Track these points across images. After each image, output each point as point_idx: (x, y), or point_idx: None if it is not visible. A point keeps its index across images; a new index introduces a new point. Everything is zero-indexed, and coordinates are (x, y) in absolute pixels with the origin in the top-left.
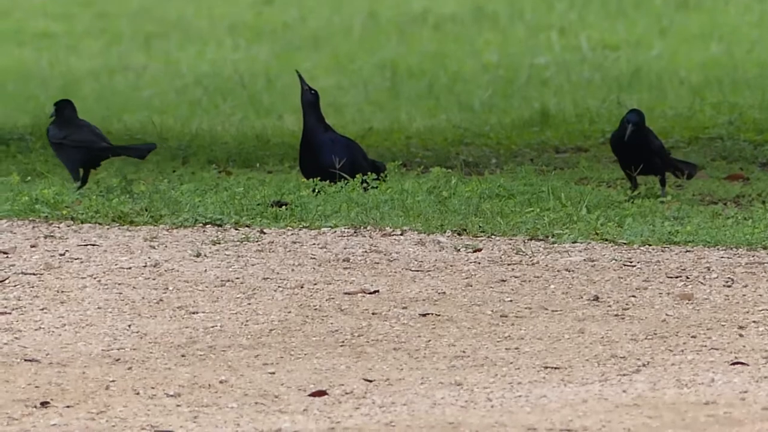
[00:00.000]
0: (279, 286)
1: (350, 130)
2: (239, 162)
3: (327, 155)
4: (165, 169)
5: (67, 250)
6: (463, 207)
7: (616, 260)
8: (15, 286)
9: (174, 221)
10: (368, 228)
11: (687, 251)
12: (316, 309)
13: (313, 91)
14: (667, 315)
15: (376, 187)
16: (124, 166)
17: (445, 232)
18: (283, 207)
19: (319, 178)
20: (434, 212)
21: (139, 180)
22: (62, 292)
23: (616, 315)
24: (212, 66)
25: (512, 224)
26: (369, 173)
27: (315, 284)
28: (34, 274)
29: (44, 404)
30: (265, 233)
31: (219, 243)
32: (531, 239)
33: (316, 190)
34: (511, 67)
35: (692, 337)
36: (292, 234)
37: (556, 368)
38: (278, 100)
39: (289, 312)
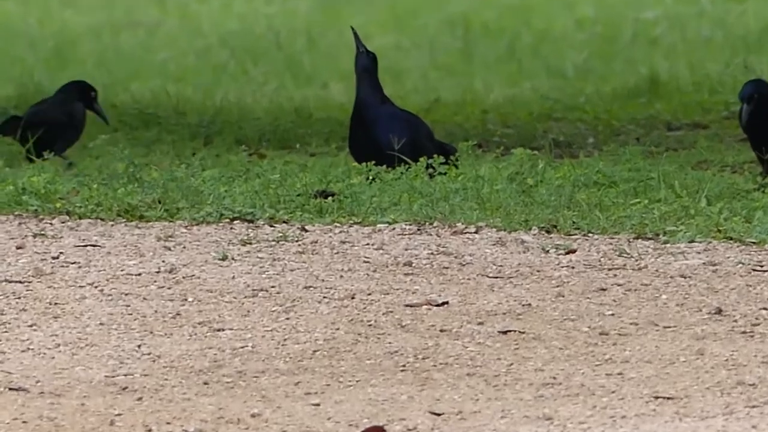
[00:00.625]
0: (324, 297)
1: (412, 101)
2: (274, 142)
3: (384, 133)
4: (183, 152)
5: (61, 252)
6: (553, 198)
7: (743, 264)
8: None
9: (194, 216)
10: (435, 224)
11: None
12: (370, 325)
13: (370, 54)
14: None
15: (445, 173)
16: (131, 147)
17: (530, 229)
18: (330, 198)
19: (373, 162)
20: (517, 205)
21: (150, 165)
22: (56, 304)
23: (744, 332)
24: (240, 22)
25: (614, 219)
26: (435, 156)
27: (369, 294)
28: (20, 282)
29: None
30: (306, 231)
31: (250, 243)
32: (637, 238)
33: (371, 177)
34: (612, 24)
35: None
36: (340, 232)
37: (668, 398)
38: (322, 64)
39: (337, 329)
